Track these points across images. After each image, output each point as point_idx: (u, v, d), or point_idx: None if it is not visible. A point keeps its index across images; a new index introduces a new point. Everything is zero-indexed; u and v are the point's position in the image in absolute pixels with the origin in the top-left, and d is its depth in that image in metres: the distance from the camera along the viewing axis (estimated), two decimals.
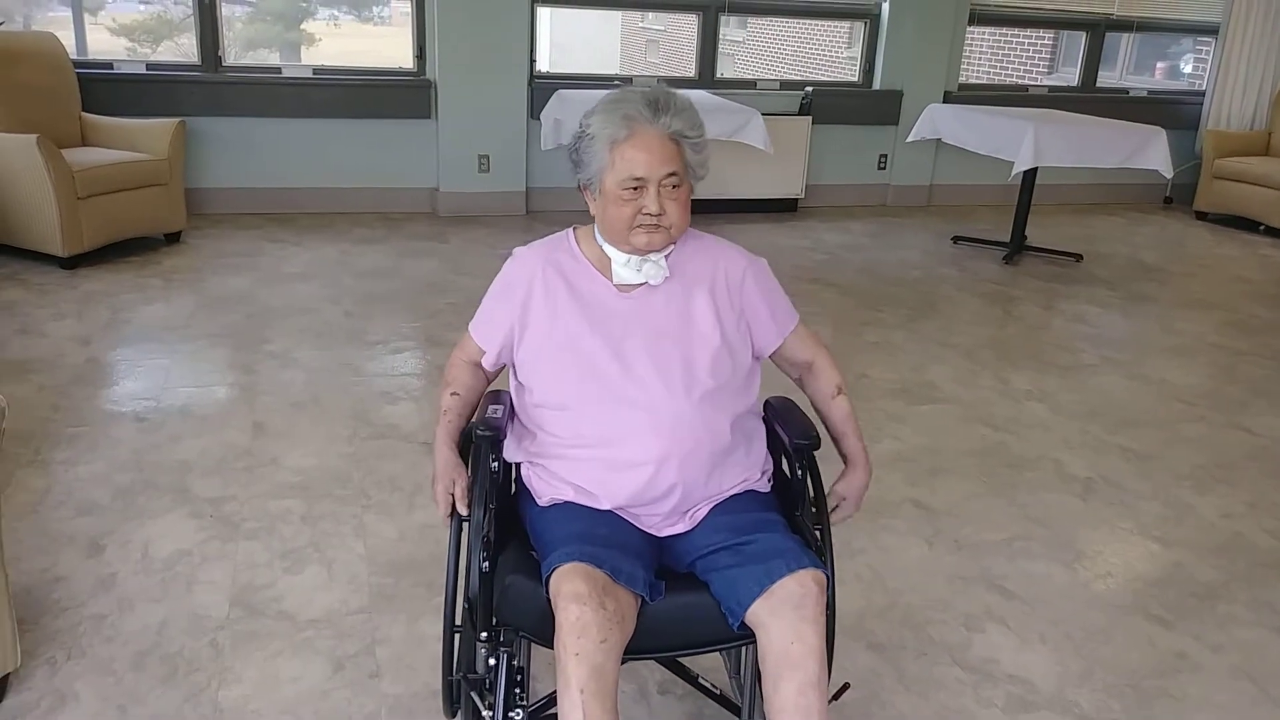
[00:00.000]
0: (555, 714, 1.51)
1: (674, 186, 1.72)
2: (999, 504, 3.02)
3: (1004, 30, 8.95)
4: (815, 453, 1.78)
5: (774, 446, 1.88)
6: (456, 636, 1.76)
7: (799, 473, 1.77)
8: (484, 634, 1.65)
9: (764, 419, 1.89)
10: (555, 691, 1.51)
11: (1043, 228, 6.44)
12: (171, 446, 3.07)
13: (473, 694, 1.72)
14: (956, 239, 6.20)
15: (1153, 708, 2.17)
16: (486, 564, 1.64)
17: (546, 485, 1.75)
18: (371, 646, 2.22)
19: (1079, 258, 5.93)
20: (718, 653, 2.11)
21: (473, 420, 1.81)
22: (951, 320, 4.72)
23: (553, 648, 1.52)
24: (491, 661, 1.64)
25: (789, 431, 1.80)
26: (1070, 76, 7.79)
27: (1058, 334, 4.67)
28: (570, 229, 1.87)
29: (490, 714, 1.63)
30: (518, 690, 1.66)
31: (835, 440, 1.91)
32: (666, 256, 1.80)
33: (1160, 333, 4.75)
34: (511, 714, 1.62)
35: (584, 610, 1.47)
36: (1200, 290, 5.52)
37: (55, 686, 2.04)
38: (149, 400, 3.37)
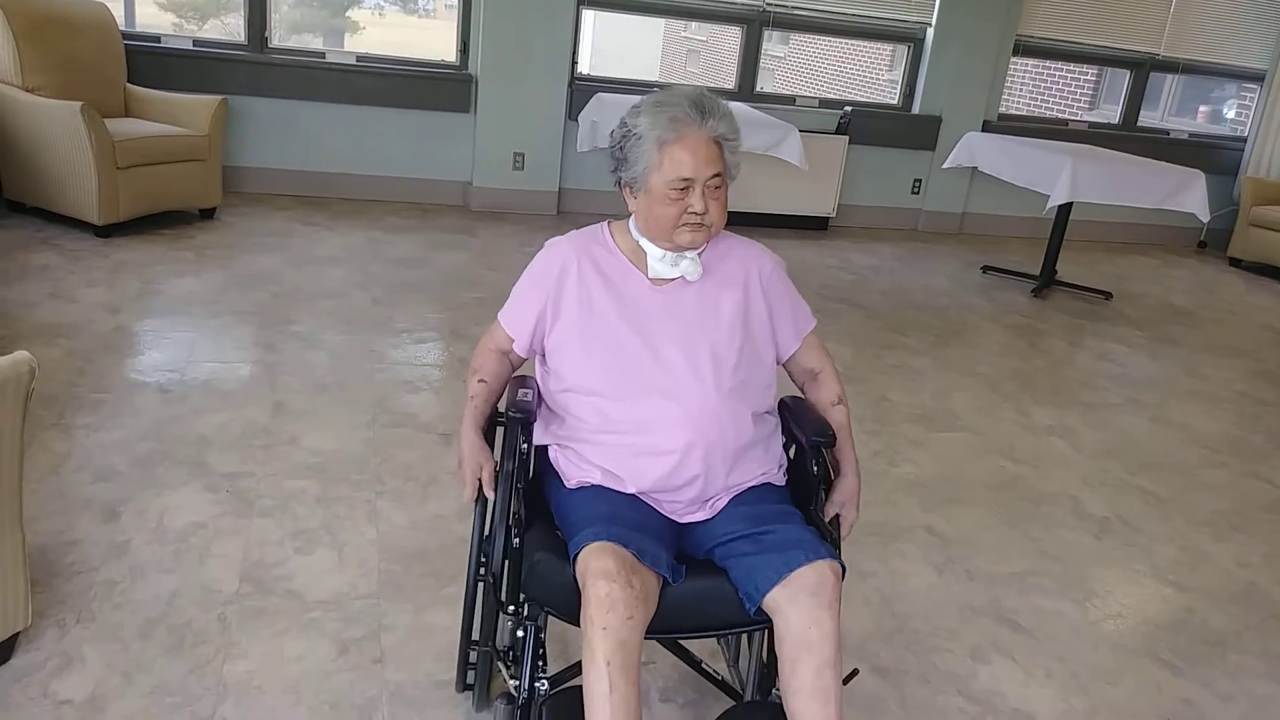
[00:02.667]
0: (570, 686, 1.61)
1: (716, 187, 1.79)
2: (1013, 537, 3.00)
3: (1048, 63, 8.91)
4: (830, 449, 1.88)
5: (785, 444, 1.96)
6: (475, 614, 1.85)
7: (815, 468, 1.85)
8: (510, 607, 1.72)
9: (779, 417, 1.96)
10: (569, 666, 1.58)
11: (1074, 263, 6.40)
12: (192, 419, 3.09)
13: (499, 663, 1.79)
14: (986, 269, 6.17)
15: None
16: (517, 540, 1.70)
17: (575, 468, 1.81)
18: (377, 632, 2.23)
19: (1109, 296, 5.89)
20: (717, 644, 2.22)
21: (505, 403, 1.87)
22: (976, 350, 4.69)
23: (574, 623, 1.59)
24: (520, 634, 1.71)
25: (805, 429, 1.88)
26: (1112, 114, 7.75)
27: (1083, 371, 4.64)
28: (605, 222, 1.94)
29: (515, 683, 1.69)
30: (540, 662, 1.72)
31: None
32: (700, 254, 1.86)
33: (1186, 377, 4.71)
34: (537, 683, 1.69)
35: (612, 587, 1.53)
36: (1229, 337, 5.47)
37: (63, 649, 2.06)
38: (173, 372, 3.40)
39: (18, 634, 2.00)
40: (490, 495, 1.76)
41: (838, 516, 1.88)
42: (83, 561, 2.34)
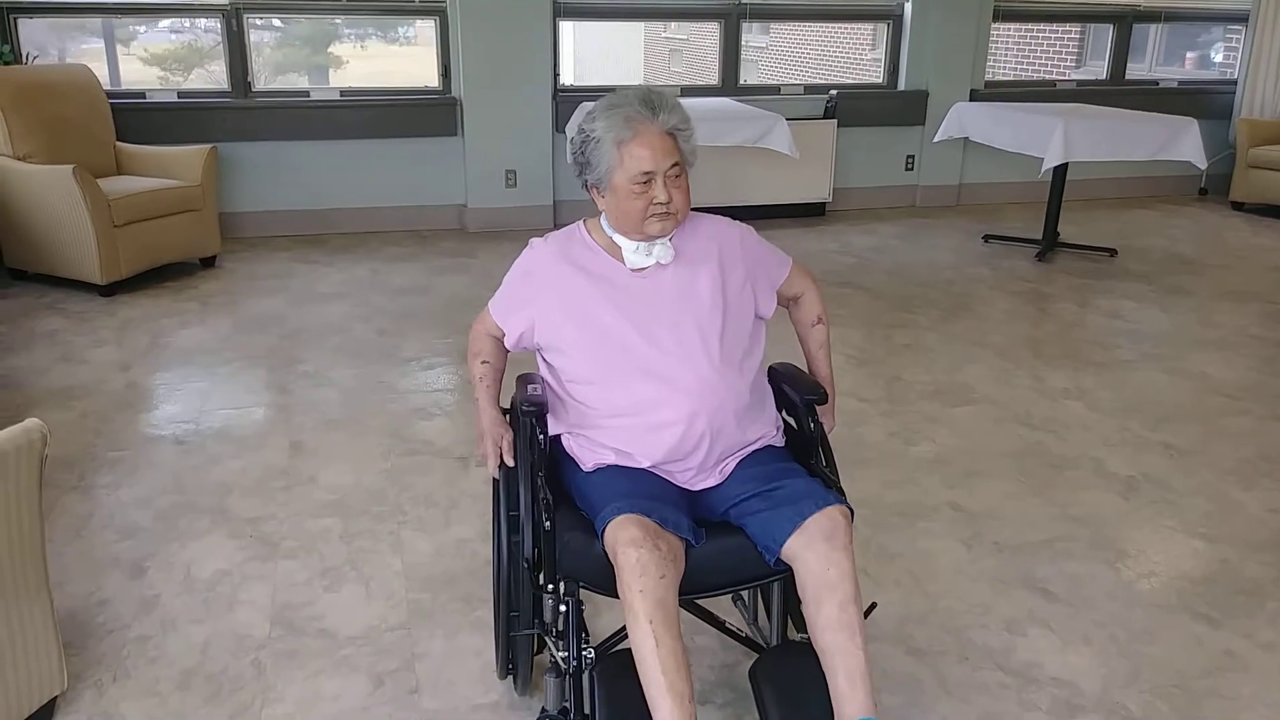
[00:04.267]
0: (616, 651, 1.77)
1: (676, 176, 1.90)
2: (1038, 504, 2.98)
3: (1030, 25, 8.86)
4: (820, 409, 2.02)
5: (778, 407, 2.08)
6: (511, 605, 1.95)
7: (810, 425, 1.99)
8: (549, 586, 1.81)
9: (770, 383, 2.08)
10: (611, 635, 1.77)
11: (1075, 224, 6.37)
12: (210, 468, 3.10)
13: (548, 639, 1.86)
14: (987, 238, 6.14)
15: (1202, 708, 2.13)
16: (548, 523, 1.79)
17: (588, 452, 1.92)
18: (410, 662, 2.23)
19: (1113, 253, 5.85)
20: (734, 605, 2.34)
21: (514, 399, 1.99)
22: (985, 320, 4.67)
23: (609, 594, 1.72)
24: (562, 609, 1.79)
25: (798, 390, 2.02)
26: (1099, 70, 7.71)
27: (1094, 330, 4.61)
28: (580, 221, 2.05)
29: (564, 655, 1.78)
30: (584, 633, 1.80)
31: (808, 361, 2.15)
32: (670, 239, 1.96)
33: (1199, 326, 4.68)
34: (584, 651, 1.77)
35: (642, 552, 1.65)
36: (1238, 282, 5.43)
37: (102, 709, 2.07)
38: (188, 423, 3.42)
39: (55, 699, 2.02)
40: (510, 463, 1.89)
41: (835, 466, 1.98)
42: (114, 620, 2.36)
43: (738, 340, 1.95)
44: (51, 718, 2.02)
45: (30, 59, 5.32)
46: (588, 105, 5.86)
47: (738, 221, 2.08)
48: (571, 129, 6.62)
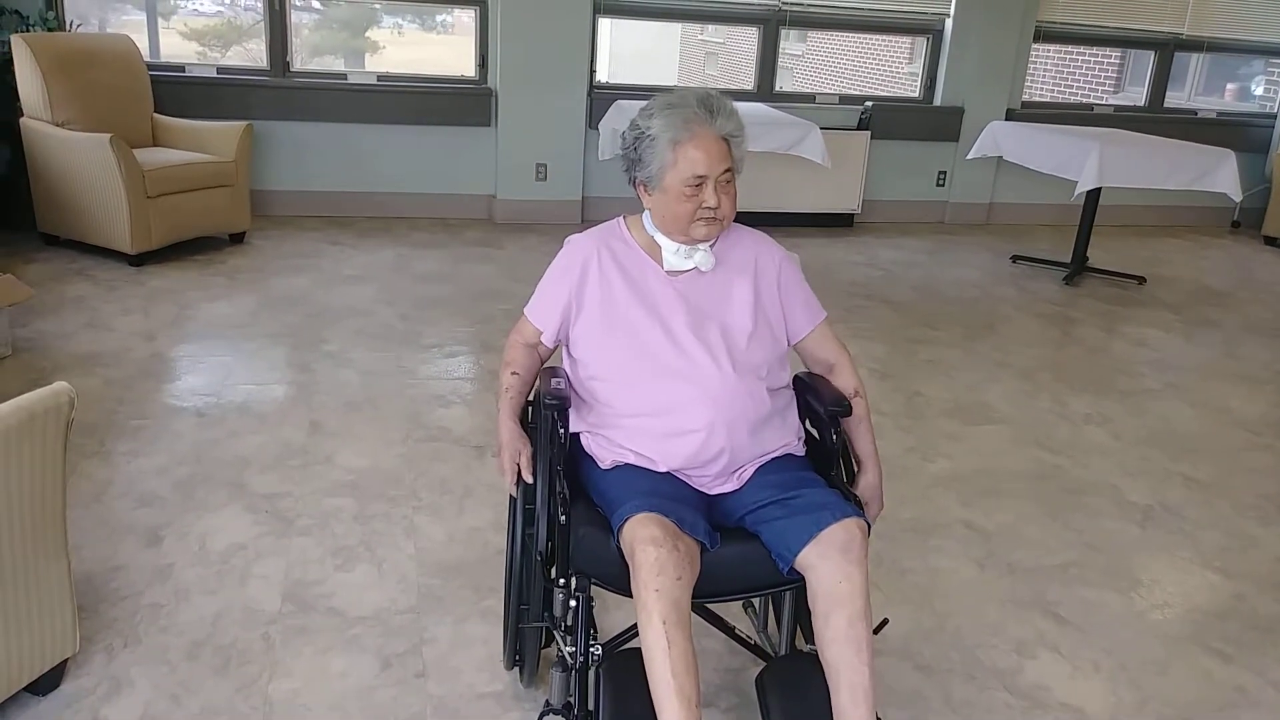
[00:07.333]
0: (625, 649, 1.76)
1: (727, 182, 1.88)
2: (1054, 528, 2.96)
3: (1069, 48, 8.81)
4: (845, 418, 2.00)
5: (801, 417, 2.06)
6: (522, 599, 1.94)
7: (833, 436, 1.96)
8: (561, 580, 1.81)
9: (795, 392, 2.06)
10: (620, 633, 1.76)
11: (1105, 249, 6.32)
12: (230, 442, 3.12)
13: (556, 633, 1.87)
14: (1016, 258, 6.11)
15: None
16: (564, 517, 1.79)
17: (607, 451, 1.92)
18: (419, 646, 2.24)
19: (1142, 280, 5.81)
20: (744, 612, 2.36)
21: (539, 392, 1.96)
22: (1009, 340, 4.65)
23: (621, 592, 1.72)
24: (572, 604, 1.80)
25: (822, 400, 1.99)
26: (1137, 96, 7.65)
27: (1119, 357, 4.58)
28: (620, 217, 2.04)
29: (571, 650, 1.78)
30: (592, 629, 1.81)
31: (849, 437, 2.04)
32: (711, 246, 1.95)
33: (1225, 359, 4.64)
34: (592, 647, 1.78)
35: (660, 551, 1.64)
36: (1268, 317, 5.38)
37: (111, 673, 2.09)
38: (210, 396, 3.44)
39: (66, 660, 2.03)
40: (529, 480, 1.86)
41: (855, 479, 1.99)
42: (128, 586, 2.38)
43: (765, 351, 1.94)
44: (62, 679, 2.04)
45: (73, 27, 5.36)
46: (623, 103, 5.89)
47: (782, 247, 2.06)
48: (606, 126, 6.62)
